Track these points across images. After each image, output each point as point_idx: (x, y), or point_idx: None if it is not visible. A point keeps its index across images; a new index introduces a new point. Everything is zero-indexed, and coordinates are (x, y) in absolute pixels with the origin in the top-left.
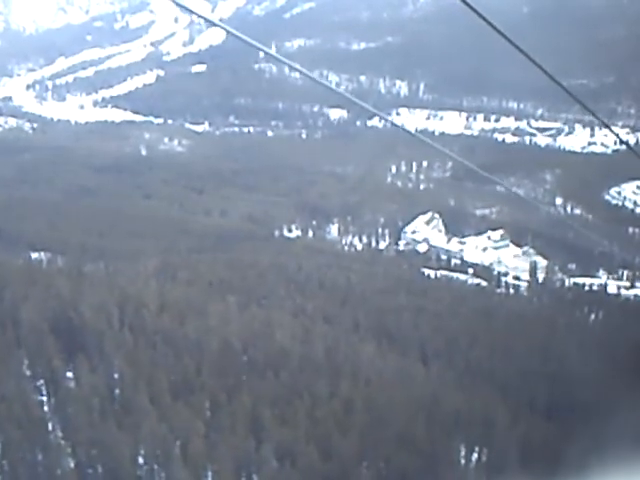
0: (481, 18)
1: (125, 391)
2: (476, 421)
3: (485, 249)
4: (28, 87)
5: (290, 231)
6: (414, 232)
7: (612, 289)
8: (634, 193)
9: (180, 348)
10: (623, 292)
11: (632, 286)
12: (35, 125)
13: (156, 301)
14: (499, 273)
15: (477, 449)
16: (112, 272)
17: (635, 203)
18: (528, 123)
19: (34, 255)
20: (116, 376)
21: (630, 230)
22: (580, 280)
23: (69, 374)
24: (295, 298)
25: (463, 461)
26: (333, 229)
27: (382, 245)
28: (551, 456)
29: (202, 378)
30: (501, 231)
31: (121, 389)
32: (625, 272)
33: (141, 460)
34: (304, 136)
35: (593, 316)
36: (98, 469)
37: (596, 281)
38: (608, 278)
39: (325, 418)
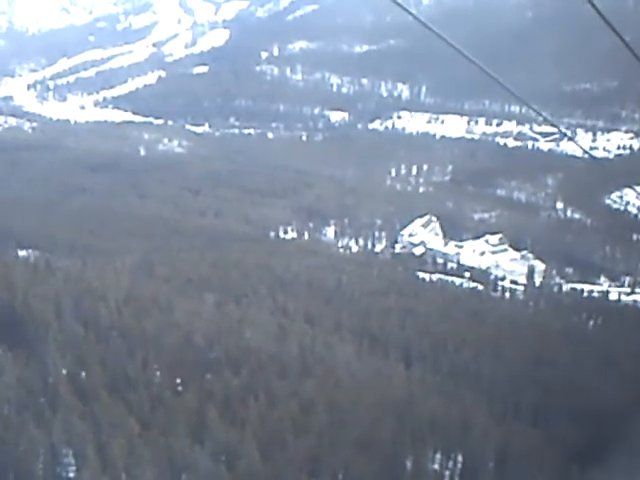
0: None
1: (56, 386)
2: (454, 426)
3: (483, 253)
4: (29, 87)
5: (286, 232)
6: (411, 235)
7: (613, 295)
8: (637, 198)
9: (135, 343)
10: (624, 298)
11: (632, 292)
12: (35, 124)
13: (120, 296)
14: (496, 277)
15: (452, 455)
16: (86, 267)
17: (639, 208)
18: (530, 127)
19: (22, 252)
20: (52, 370)
21: (632, 235)
22: (581, 286)
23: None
24: (277, 297)
25: (437, 467)
26: (329, 231)
27: (378, 248)
28: (533, 464)
29: (148, 374)
30: (499, 235)
31: (53, 384)
32: (627, 278)
33: (54, 459)
34: (304, 138)
35: (592, 322)
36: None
37: (597, 287)
38: (610, 285)
39: (280, 419)
